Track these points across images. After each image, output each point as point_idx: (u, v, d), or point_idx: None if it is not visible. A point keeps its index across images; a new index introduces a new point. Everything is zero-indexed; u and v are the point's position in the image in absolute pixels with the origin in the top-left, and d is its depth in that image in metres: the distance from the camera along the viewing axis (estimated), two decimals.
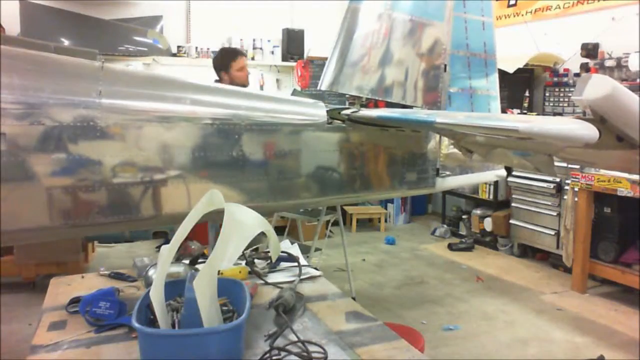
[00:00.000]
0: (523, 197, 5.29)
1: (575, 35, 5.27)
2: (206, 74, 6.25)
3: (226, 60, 3.94)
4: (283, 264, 2.01)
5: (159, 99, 2.51)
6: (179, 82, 2.65)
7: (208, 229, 4.06)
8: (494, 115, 3.25)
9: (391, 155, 3.15)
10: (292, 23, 6.81)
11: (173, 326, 1.35)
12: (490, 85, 3.50)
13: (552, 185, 4.93)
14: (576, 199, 4.42)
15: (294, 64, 6.81)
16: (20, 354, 1.72)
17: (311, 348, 1.36)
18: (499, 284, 4.67)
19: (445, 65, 3.24)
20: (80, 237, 4.20)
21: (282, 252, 2.07)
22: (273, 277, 1.90)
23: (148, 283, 1.68)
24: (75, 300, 1.62)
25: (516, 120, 1.91)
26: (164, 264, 1.43)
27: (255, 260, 1.98)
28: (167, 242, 5.55)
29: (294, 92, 6.51)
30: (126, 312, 1.54)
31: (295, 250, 2.12)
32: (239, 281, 1.54)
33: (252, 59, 6.66)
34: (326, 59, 3.08)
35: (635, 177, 3.87)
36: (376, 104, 5.33)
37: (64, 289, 1.81)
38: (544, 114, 5.48)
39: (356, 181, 3.02)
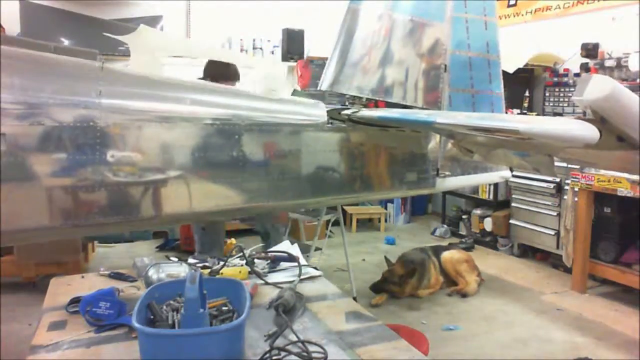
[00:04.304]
0: (523, 197, 5.29)
1: (575, 35, 5.27)
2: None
3: None
4: (283, 264, 2.01)
5: (159, 99, 2.51)
6: (179, 82, 2.65)
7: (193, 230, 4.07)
8: (494, 116, 3.24)
9: (391, 156, 3.15)
10: (292, 23, 6.81)
11: (173, 326, 1.35)
12: (494, 86, 3.49)
13: (552, 185, 4.93)
14: (576, 199, 4.42)
15: (294, 64, 6.81)
16: (20, 354, 1.72)
17: (311, 348, 1.36)
18: (499, 284, 4.67)
19: (446, 66, 3.25)
20: (80, 237, 4.19)
21: (282, 252, 2.07)
22: (273, 277, 1.90)
23: (148, 283, 1.68)
24: (75, 300, 1.62)
25: (516, 121, 1.90)
26: None
27: (256, 261, 1.98)
28: (167, 242, 5.57)
29: (294, 92, 6.51)
30: (126, 312, 1.54)
31: (295, 250, 2.12)
32: (239, 281, 1.54)
33: None
34: (326, 59, 3.07)
35: (635, 177, 3.87)
36: (376, 105, 5.32)
37: (64, 289, 1.80)
38: (544, 114, 5.48)
39: (356, 181, 3.02)
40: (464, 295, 4.31)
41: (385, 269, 4.33)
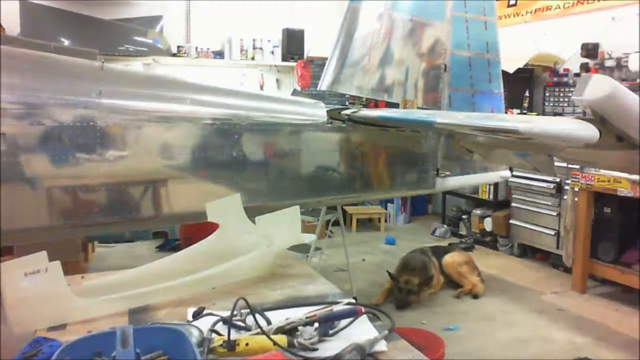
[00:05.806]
0: (523, 197, 5.29)
1: (575, 35, 5.27)
2: (206, 74, 6.28)
3: None
4: (340, 322, 1.37)
5: (159, 99, 2.51)
6: (179, 82, 2.65)
7: None
8: (495, 116, 3.25)
9: (391, 156, 3.16)
10: (292, 23, 6.81)
11: None
12: (494, 86, 3.49)
13: (552, 185, 4.93)
14: (576, 199, 4.42)
15: (294, 64, 6.81)
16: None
17: None
18: (499, 284, 4.67)
19: (445, 65, 3.25)
20: (80, 237, 4.19)
21: (339, 302, 1.53)
22: (327, 348, 1.28)
23: None
24: None
25: (516, 121, 1.91)
26: None
27: (300, 328, 1.33)
28: (167, 242, 5.56)
29: (294, 92, 6.51)
30: None
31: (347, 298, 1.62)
32: (179, 330, 1.18)
33: (252, 58, 6.67)
34: (326, 59, 3.08)
35: (635, 177, 3.87)
36: (376, 104, 5.32)
37: None
38: (544, 114, 5.48)
39: (356, 181, 3.02)
40: (475, 296, 4.29)
41: (386, 276, 4.25)
